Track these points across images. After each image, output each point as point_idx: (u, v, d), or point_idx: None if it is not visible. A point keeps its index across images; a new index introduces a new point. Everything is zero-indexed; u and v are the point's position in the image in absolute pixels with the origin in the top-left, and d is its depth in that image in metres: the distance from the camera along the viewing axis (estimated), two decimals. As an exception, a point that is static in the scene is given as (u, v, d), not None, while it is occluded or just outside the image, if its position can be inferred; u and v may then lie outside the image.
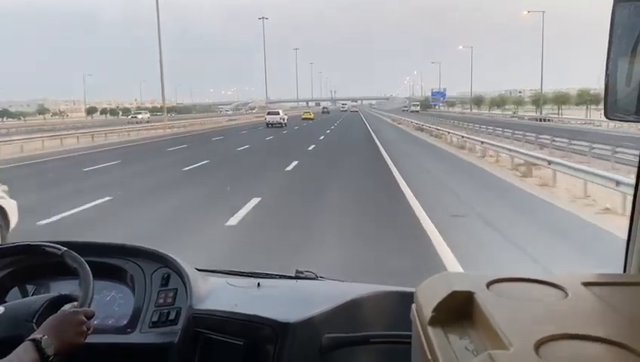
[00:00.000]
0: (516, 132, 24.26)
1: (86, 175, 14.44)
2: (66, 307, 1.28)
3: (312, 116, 67.96)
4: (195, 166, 15.79)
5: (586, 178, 9.72)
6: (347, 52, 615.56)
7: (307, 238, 6.91)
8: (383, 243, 6.66)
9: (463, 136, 21.24)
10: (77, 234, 6.79)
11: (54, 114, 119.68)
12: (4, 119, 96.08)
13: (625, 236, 1.15)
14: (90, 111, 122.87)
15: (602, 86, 1.01)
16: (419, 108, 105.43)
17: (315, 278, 1.82)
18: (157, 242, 1.92)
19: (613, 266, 1.24)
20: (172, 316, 1.54)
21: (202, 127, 48.01)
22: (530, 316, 0.73)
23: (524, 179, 12.62)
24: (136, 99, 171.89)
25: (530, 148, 18.72)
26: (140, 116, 71.17)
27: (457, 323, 0.78)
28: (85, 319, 1.21)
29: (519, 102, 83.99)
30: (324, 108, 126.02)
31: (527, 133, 22.93)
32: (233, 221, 7.85)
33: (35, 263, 1.58)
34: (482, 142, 18.09)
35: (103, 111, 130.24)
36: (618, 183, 8.27)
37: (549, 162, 11.98)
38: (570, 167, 10.82)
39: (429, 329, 0.78)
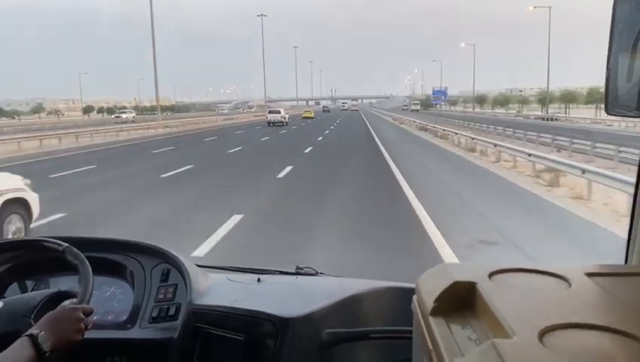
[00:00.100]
0: (529, 133, 22.48)
1: (49, 183, 12.71)
2: (66, 303, 1.28)
3: (312, 115, 68.83)
4: (176, 172, 14.09)
5: (628, 190, 8.01)
6: (347, 51, 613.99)
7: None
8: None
9: (472, 138, 19.49)
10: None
11: (49, 113, 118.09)
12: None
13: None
14: (87, 110, 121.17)
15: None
16: (419, 107, 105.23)
17: (315, 274, 1.83)
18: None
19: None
20: (172, 311, 1.53)
21: (197, 127, 46.36)
22: (533, 305, 0.73)
23: (552, 189, 10.89)
24: (135, 98, 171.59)
25: (545, 150, 17.04)
26: (124, 115, 67.53)
27: (459, 314, 0.77)
28: (83, 316, 1.19)
29: (524, 101, 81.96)
30: (324, 107, 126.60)
31: (541, 135, 21.18)
32: (198, 252, 6.11)
33: (34, 259, 1.57)
34: (495, 145, 16.34)
35: (100, 110, 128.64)
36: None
37: (583, 171, 10.23)
38: (610, 178, 9.08)
39: (431, 319, 0.78)
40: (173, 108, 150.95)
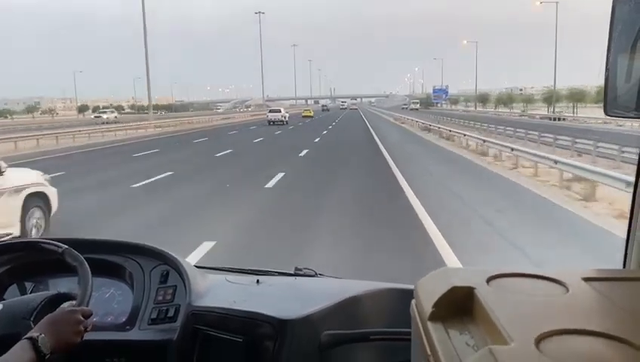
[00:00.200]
0: (544, 134, 20.69)
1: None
2: (65, 305, 1.28)
3: (311, 114, 70.44)
4: (152, 180, 12.37)
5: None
6: (346, 49, 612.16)
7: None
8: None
9: (484, 141, 17.71)
10: None
11: (44, 112, 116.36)
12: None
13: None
14: (82, 109, 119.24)
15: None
16: (418, 105, 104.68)
17: (315, 275, 1.82)
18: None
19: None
20: (171, 313, 1.53)
21: (190, 127, 44.71)
22: (530, 311, 0.73)
23: (588, 205, 9.13)
24: (133, 97, 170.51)
25: (564, 154, 15.30)
26: (105, 116, 61.45)
27: (457, 319, 0.77)
28: (82, 318, 1.20)
29: (528, 100, 79.91)
30: (323, 106, 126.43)
31: (558, 137, 19.39)
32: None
33: (33, 260, 1.56)
34: (512, 149, 14.57)
35: (96, 110, 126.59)
36: None
37: (627, 183, 8.46)
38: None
39: (429, 324, 0.78)
40: (170, 108, 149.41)
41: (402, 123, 45.52)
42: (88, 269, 1.35)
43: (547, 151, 16.01)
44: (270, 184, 11.66)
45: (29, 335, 1.09)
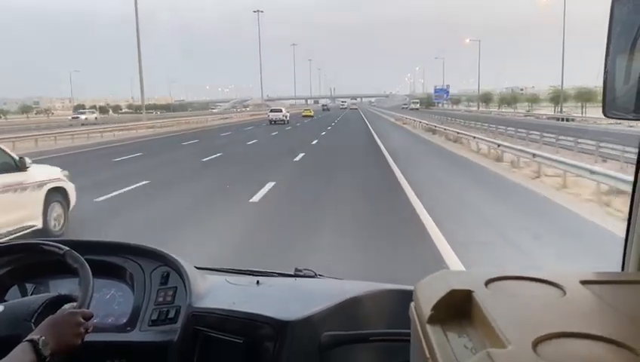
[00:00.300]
0: (562, 137, 18.94)
1: None
2: (66, 307, 1.27)
3: (311, 114, 71.44)
4: (122, 191, 10.69)
5: None
6: (347, 49, 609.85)
7: None
8: None
9: (499, 145, 15.97)
10: None
11: (39, 112, 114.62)
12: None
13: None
14: (78, 109, 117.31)
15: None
16: (418, 105, 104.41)
17: (314, 276, 1.82)
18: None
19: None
20: (171, 314, 1.53)
21: (185, 127, 43.13)
22: (528, 314, 0.74)
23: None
24: (132, 97, 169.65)
25: (587, 160, 13.62)
26: (83, 116, 56.13)
27: (456, 322, 0.78)
28: (83, 320, 1.20)
29: (534, 100, 77.92)
30: (324, 105, 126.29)
31: (579, 140, 17.66)
32: None
33: (34, 262, 1.56)
34: (534, 155, 12.85)
35: (91, 108, 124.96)
36: None
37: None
38: None
39: (428, 327, 0.78)
40: (169, 107, 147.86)
41: (404, 123, 43.79)
42: (89, 271, 1.35)
43: (568, 156, 14.36)
44: (256, 197, 9.95)
45: (29, 337, 1.09)
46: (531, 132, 22.16)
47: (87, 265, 1.36)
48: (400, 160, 15.72)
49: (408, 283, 1.45)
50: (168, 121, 47.82)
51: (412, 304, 0.89)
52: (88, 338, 1.21)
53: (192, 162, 16.99)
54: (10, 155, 6.90)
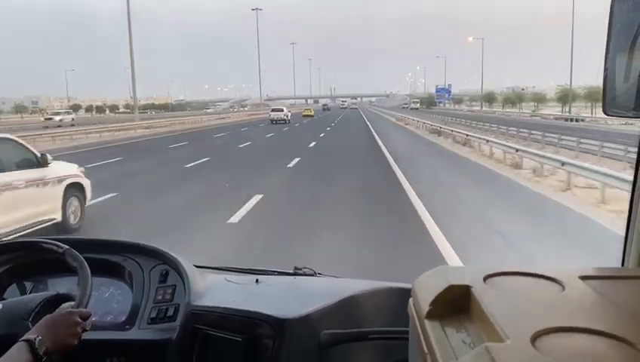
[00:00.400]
0: (584, 140, 17.14)
1: None
2: (65, 305, 1.28)
3: (312, 113, 72.06)
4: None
5: None
6: (347, 48, 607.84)
7: None
8: None
9: (517, 150, 14.18)
10: None
11: (34, 112, 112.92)
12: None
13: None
14: (73, 108, 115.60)
15: None
16: (419, 105, 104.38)
17: (314, 275, 1.82)
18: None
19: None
20: (170, 312, 1.53)
21: (179, 128, 41.59)
22: (526, 309, 0.73)
23: None
24: (131, 97, 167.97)
25: (615, 166, 11.84)
26: (57, 118, 51.96)
27: (454, 317, 0.78)
28: (80, 320, 1.19)
29: (540, 100, 75.93)
30: (324, 105, 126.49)
31: (605, 144, 15.87)
32: None
33: (33, 260, 1.56)
34: (564, 163, 11.06)
35: (89, 109, 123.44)
36: None
37: None
38: None
39: (426, 322, 0.78)
40: (167, 107, 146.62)
41: (406, 124, 42.02)
42: (88, 270, 1.35)
43: (592, 161, 12.65)
44: (236, 217, 8.19)
45: (26, 337, 1.09)
46: (547, 134, 20.36)
47: (86, 264, 1.36)
48: (406, 167, 13.96)
49: (407, 282, 1.43)
50: (163, 122, 46.19)
51: (410, 300, 0.89)
52: (87, 336, 1.21)
53: (173, 169, 15.23)
54: (32, 152, 7.16)
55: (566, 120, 42.32)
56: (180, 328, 1.47)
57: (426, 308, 0.80)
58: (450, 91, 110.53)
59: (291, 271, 1.82)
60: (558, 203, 9.50)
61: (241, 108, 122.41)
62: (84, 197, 7.88)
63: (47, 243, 1.44)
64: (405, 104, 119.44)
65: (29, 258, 1.56)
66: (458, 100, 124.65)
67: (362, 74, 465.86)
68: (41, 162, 7.13)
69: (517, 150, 14.19)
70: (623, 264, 1.12)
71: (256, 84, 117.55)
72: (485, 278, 0.83)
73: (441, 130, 27.29)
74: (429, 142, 24.26)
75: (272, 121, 47.03)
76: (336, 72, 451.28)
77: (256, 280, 1.67)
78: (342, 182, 12.14)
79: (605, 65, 0.98)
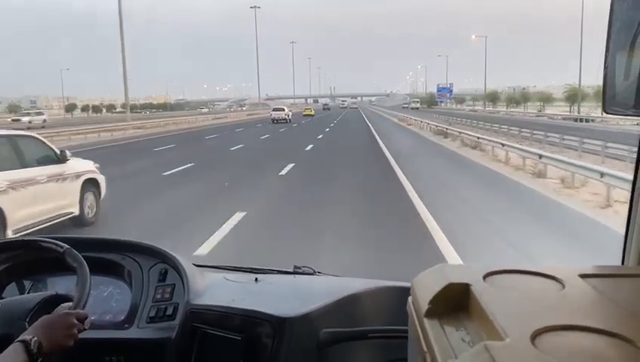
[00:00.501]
0: (610, 144, 15.33)
1: None
2: (64, 305, 1.28)
3: (312, 113, 72.37)
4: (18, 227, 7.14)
5: None
6: (347, 48, 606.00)
7: None
8: None
9: (540, 157, 12.39)
10: None
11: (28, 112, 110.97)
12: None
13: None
14: (69, 108, 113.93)
15: None
16: (419, 105, 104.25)
17: (313, 273, 1.82)
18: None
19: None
20: (169, 311, 1.52)
21: (172, 128, 39.90)
22: (526, 307, 0.73)
23: None
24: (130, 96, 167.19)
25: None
26: (25, 119, 46.61)
27: (453, 315, 0.78)
28: (76, 322, 1.19)
29: (546, 99, 73.89)
30: (325, 105, 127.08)
31: (633, 149, 14.03)
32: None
33: (32, 259, 1.55)
34: (603, 175, 9.28)
35: (85, 109, 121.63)
36: None
37: None
38: None
39: (426, 321, 0.78)
40: (165, 107, 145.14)
41: (409, 124, 40.23)
42: (87, 271, 1.34)
43: (619, 168, 10.87)
44: (205, 247, 6.43)
45: (21, 338, 1.09)
46: (566, 137, 18.56)
47: (85, 265, 1.35)
48: (413, 176, 12.21)
49: (406, 281, 1.36)
50: (156, 122, 44.53)
51: (410, 298, 0.89)
52: (86, 335, 1.21)
53: (147, 177, 13.46)
54: (52, 149, 7.44)
55: (575, 120, 40.52)
56: (179, 327, 1.47)
57: (425, 306, 0.79)
58: (451, 91, 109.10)
59: (291, 270, 1.82)
60: (604, 225, 7.71)
61: (239, 108, 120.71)
62: (99, 193, 8.25)
63: (47, 242, 1.42)
64: (405, 103, 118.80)
65: (29, 256, 1.54)
66: (460, 100, 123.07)
67: (362, 73, 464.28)
68: (60, 158, 7.43)
69: (540, 156, 12.41)
70: (622, 262, 1.10)
71: (255, 84, 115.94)
72: (485, 276, 0.82)
73: (447, 131, 25.51)
74: (435, 145, 22.45)
75: (273, 120, 47.15)
76: (336, 72, 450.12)
77: (256, 279, 1.66)
78: (339, 197, 10.35)
79: (605, 63, 0.98)
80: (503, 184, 12.02)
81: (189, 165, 15.43)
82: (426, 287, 0.84)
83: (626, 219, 1.12)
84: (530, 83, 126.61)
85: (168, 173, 13.70)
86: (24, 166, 6.86)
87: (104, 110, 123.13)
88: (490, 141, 17.78)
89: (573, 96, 51.64)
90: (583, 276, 0.82)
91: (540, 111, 64.09)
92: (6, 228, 6.25)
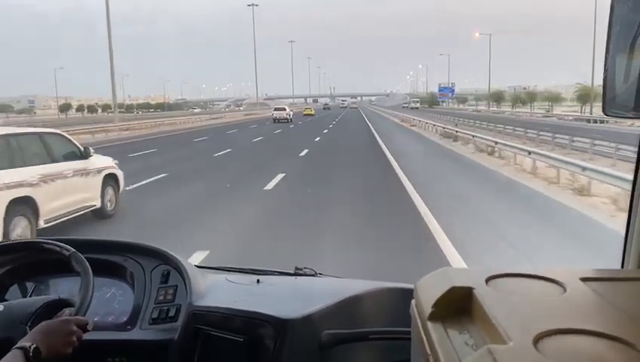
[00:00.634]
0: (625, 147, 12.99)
1: None
2: (66, 311, 1.28)
3: (313, 112, 72.88)
4: None
5: None
6: (346, 47, 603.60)
7: None
8: None
9: (584, 169, 10.09)
10: None
11: (21, 111, 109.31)
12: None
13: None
14: (64, 108, 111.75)
15: None
16: (419, 104, 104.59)
17: (315, 275, 1.82)
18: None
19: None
20: (172, 313, 1.52)
21: (161, 130, 37.79)
22: (528, 311, 0.74)
23: None
24: (129, 95, 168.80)
25: None
26: None
27: (456, 319, 0.78)
28: (76, 328, 1.19)
29: (555, 99, 71.43)
30: (325, 104, 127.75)
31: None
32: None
33: (34, 261, 1.57)
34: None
35: (80, 109, 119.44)
36: None
37: None
38: None
39: (429, 324, 0.78)
40: (163, 107, 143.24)
41: (412, 125, 37.94)
42: (91, 276, 1.34)
43: None
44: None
45: (20, 344, 1.10)
46: (597, 141, 16.27)
47: (90, 271, 1.35)
48: (425, 188, 9.95)
49: (408, 282, 1.42)
50: (149, 122, 42.33)
51: (413, 301, 0.89)
52: (89, 337, 1.21)
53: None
54: (77, 145, 8.07)
55: (588, 121, 38.25)
56: (181, 328, 1.46)
57: (428, 309, 0.80)
58: (453, 90, 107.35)
59: (292, 272, 1.81)
60: None
61: (237, 108, 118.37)
62: (118, 187, 8.77)
63: (51, 244, 1.43)
64: (405, 103, 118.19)
65: (31, 259, 1.55)
66: (462, 100, 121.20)
67: (362, 73, 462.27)
68: (84, 155, 7.95)
69: (584, 169, 10.11)
70: (622, 265, 1.10)
71: (254, 83, 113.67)
72: (487, 280, 0.83)
73: (457, 134, 23.21)
74: (445, 150, 20.12)
75: (274, 119, 47.88)
76: (335, 71, 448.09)
77: (257, 281, 1.66)
78: (337, 223, 8.07)
79: (605, 65, 0.98)
80: (542, 204, 9.56)
81: (161, 176, 13.19)
82: (429, 290, 0.84)
83: (625, 221, 1.10)
84: (531, 83, 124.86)
85: (136, 186, 11.36)
86: (53, 161, 7.36)
87: (100, 110, 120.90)
88: (509, 146, 15.51)
89: (585, 96, 49.25)
90: (584, 279, 0.82)
91: (548, 111, 61.79)
92: (38, 217, 6.70)
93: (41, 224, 6.72)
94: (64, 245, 1.41)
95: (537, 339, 0.64)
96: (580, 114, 48.85)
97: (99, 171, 8.27)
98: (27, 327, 1.19)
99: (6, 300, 1.44)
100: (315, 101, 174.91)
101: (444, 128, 26.95)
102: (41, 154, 7.24)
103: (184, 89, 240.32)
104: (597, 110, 46.47)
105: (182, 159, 18.15)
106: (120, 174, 8.94)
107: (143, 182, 12.05)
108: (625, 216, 1.13)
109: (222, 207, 9.31)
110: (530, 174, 12.58)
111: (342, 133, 31.89)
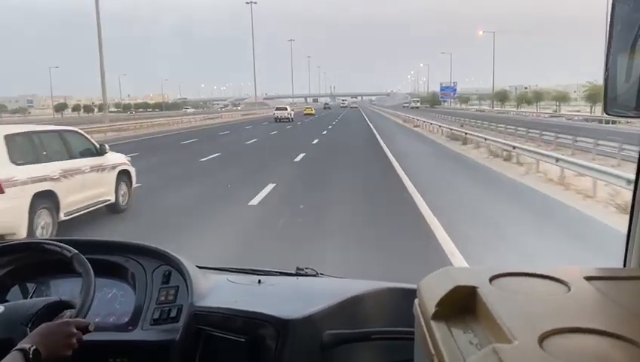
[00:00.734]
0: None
1: None
2: (67, 313, 1.28)
3: (313, 112, 73.00)
4: None
5: None
6: (347, 47, 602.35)
7: None
8: None
9: (629, 182, 8.39)
10: None
11: (14, 111, 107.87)
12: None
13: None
14: (59, 107, 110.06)
15: None
16: (419, 104, 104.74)
17: (316, 275, 1.82)
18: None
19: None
20: (173, 313, 1.52)
21: (151, 131, 36.40)
22: (533, 310, 0.73)
23: None
24: (129, 95, 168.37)
25: None
26: None
27: (460, 318, 0.78)
28: (75, 331, 1.19)
29: (562, 98, 69.51)
30: (325, 104, 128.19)
31: None
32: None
33: (35, 261, 1.56)
34: None
35: (76, 108, 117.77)
36: None
37: None
38: None
39: (433, 323, 0.78)
40: (161, 106, 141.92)
41: (415, 126, 36.24)
42: (93, 279, 1.33)
43: None
44: None
45: (20, 346, 1.09)
46: (625, 146, 14.54)
47: (92, 272, 1.34)
48: (435, 203, 8.27)
49: (410, 282, 1.41)
50: (141, 123, 40.81)
51: (416, 301, 0.89)
52: (90, 337, 1.21)
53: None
54: (93, 143, 8.41)
55: (600, 121, 36.50)
56: (182, 329, 1.46)
57: (432, 309, 0.80)
58: (455, 90, 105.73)
59: (293, 272, 1.81)
60: None
61: (234, 108, 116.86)
62: (131, 183, 9.19)
63: (52, 245, 1.42)
64: (406, 103, 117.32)
65: (32, 259, 1.54)
66: (464, 99, 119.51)
67: (362, 72, 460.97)
68: (99, 151, 8.35)
69: (629, 181, 8.39)
70: (625, 264, 1.10)
71: (253, 83, 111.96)
72: (491, 279, 0.83)
73: (466, 136, 21.48)
74: (455, 155, 18.39)
75: (276, 119, 48.67)
76: (335, 71, 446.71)
77: (259, 281, 1.66)
78: (330, 262, 6.34)
79: (606, 65, 0.98)
80: (585, 231, 7.88)
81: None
82: (432, 290, 0.84)
83: (628, 220, 1.09)
84: (531, 82, 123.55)
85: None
86: (71, 157, 7.72)
87: (96, 110, 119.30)
88: (530, 151, 13.79)
89: (594, 96, 47.48)
90: (588, 278, 0.82)
91: (556, 111, 60.05)
92: (59, 210, 7.04)
93: (62, 216, 7.07)
94: (66, 246, 1.41)
95: (542, 338, 0.64)
96: (590, 114, 47.09)
97: (113, 167, 8.64)
98: (27, 329, 1.19)
99: (7, 301, 1.44)
100: (315, 101, 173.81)
101: (450, 130, 25.23)
102: (61, 150, 7.65)
103: (184, 88, 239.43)
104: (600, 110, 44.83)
105: (165, 164, 16.52)
106: (132, 171, 9.28)
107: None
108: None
109: (192, 231, 7.58)
110: (559, 185, 10.84)
111: (342, 135, 30.19)
